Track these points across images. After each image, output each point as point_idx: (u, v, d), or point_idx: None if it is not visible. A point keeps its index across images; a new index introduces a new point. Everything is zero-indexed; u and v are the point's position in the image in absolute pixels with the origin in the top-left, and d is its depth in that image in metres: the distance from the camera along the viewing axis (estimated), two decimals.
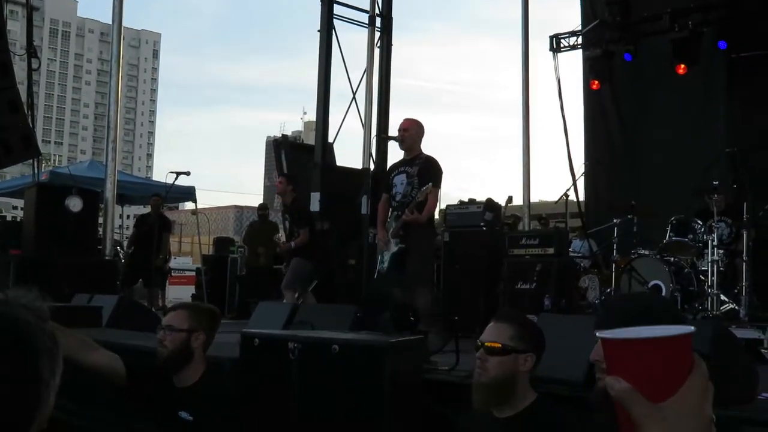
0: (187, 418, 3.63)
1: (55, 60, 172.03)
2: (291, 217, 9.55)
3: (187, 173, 10.54)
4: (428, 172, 7.01)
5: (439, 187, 7.13)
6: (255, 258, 13.49)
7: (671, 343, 0.99)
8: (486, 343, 3.12)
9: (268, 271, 13.56)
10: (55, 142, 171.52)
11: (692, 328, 1.01)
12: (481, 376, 3.09)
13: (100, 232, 11.80)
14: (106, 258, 11.11)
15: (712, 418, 1.01)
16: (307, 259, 9.61)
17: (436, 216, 10.75)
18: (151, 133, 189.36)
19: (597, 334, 1.05)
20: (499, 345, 3.10)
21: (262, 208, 14.90)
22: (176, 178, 10.68)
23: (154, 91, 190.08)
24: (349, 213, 10.89)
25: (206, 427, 3.58)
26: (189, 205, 17.57)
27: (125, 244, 14.94)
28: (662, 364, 0.99)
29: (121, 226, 20.51)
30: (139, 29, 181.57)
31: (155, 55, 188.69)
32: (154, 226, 11.57)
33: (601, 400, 2.44)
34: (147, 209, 13.34)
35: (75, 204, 10.24)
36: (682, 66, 12.44)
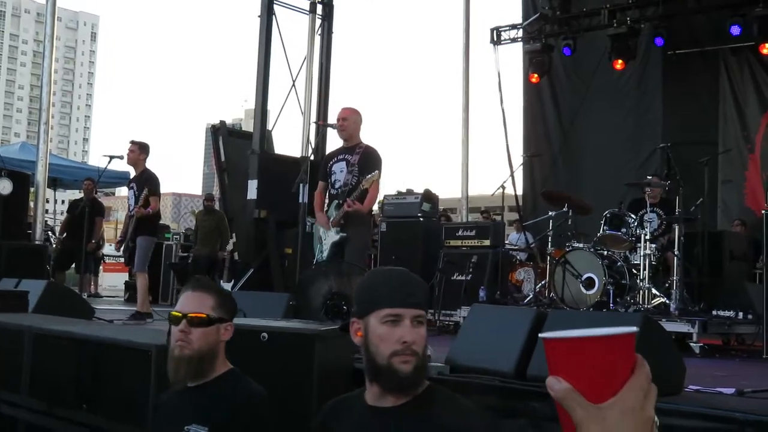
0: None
1: None
2: (141, 185, 9.07)
3: (121, 157, 10.31)
4: (369, 161, 6.98)
5: (380, 177, 7.11)
6: (210, 250, 13.47)
7: (612, 342, 0.97)
8: (189, 314, 2.98)
9: (208, 260, 13.50)
10: None
11: (635, 327, 0.99)
12: (184, 348, 2.95)
13: (31, 216, 11.53)
14: (36, 242, 10.86)
15: (654, 420, 0.99)
16: (152, 235, 9.24)
17: (375, 207, 10.74)
18: (88, 117, 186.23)
19: (540, 335, 1.03)
20: (205, 315, 3.00)
21: (209, 198, 14.77)
22: (109, 162, 10.46)
23: (92, 74, 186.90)
24: (286, 201, 10.81)
25: None
26: (125, 191, 17.28)
27: (57, 229, 14.63)
28: (603, 363, 0.96)
29: (54, 211, 20.10)
30: (77, 11, 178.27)
31: (93, 38, 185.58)
32: (86, 211, 11.33)
33: (408, 384, 2.35)
34: (82, 194, 13.07)
35: (4, 186, 9.99)
36: (620, 61, 12.63)
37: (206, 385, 3.03)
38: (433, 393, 2.45)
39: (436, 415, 2.36)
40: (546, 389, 0.99)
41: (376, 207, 11.18)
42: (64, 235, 13.01)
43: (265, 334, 3.54)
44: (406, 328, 2.37)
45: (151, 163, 9.35)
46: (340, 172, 7.08)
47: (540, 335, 1.02)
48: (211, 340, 3.02)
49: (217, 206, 14.49)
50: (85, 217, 11.04)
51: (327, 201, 7.26)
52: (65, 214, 13.73)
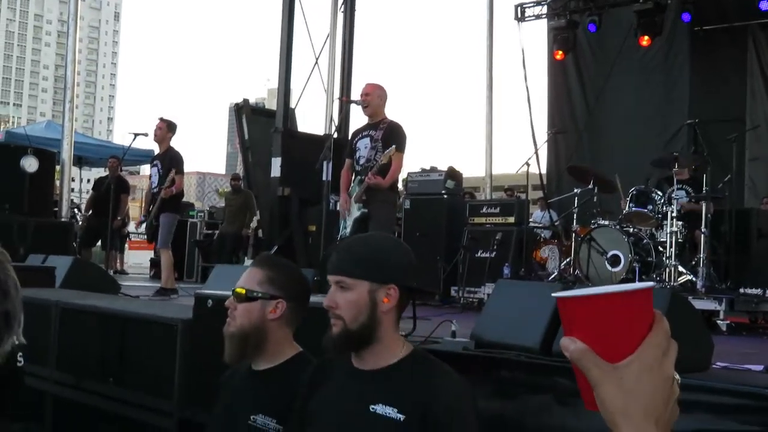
0: (273, 427, 2.83)
1: (14, 20, 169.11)
2: (166, 163, 9.07)
3: (145, 134, 10.34)
4: (392, 136, 6.94)
5: (404, 152, 7.07)
6: (237, 228, 13.57)
7: (628, 298, 0.94)
8: (235, 290, 2.88)
9: (234, 237, 13.60)
10: (14, 104, 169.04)
11: (652, 283, 0.96)
12: (229, 325, 2.87)
13: (57, 194, 11.61)
14: (62, 219, 10.94)
15: (674, 377, 0.95)
16: (176, 212, 9.29)
17: (400, 184, 10.71)
18: (113, 97, 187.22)
19: (552, 294, 1.00)
20: (244, 290, 2.85)
21: (235, 178, 14.83)
22: (134, 139, 10.51)
23: (115, 54, 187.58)
24: (310, 179, 10.80)
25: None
26: (149, 169, 17.38)
27: (83, 207, 14.73)
28: (619, 321, 0.94)
29: (80, 189, 20.24)
30: None
31: (117, 17, 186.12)
32: (111, 188, 11.39)
33: (340, 346, 2.47)
34: (107, 172, 13.14)
35: (30, 164, 10.04)
36: (646, 37, 12.45)
37: (272, 371, 2.87)
38: (414, 359, 2.49)
39: (408, 380, 2.41)
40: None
41: (401, 185, 11.19)
42: (90, 212, 13.11)
43: None
44: (329, 293, 2.49)
45: (175, 142, 9.38)
46: (364, 148, 7.05)
47: (553, 294, 1.00)
48: (255, 318, 2.84)
49: (242, 185, 14.55)
50: (111, 194, 11.10)
51: (353, 178, 7.23)
52: (90, 191, 13.81)
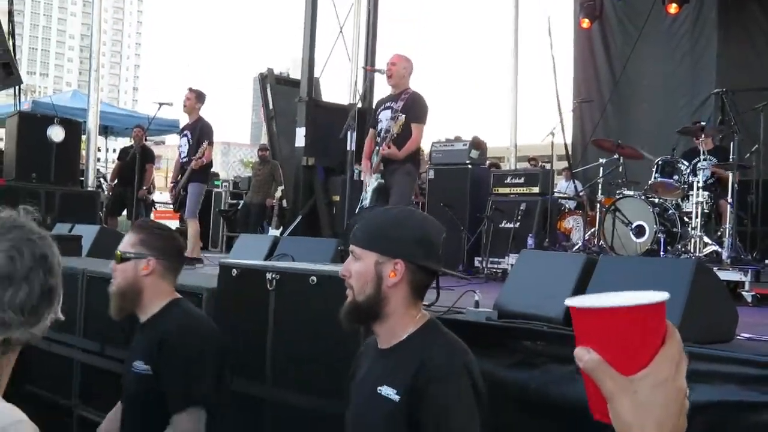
0: (142, 368, 3.21)
1: None
2: (196, 133, 9.07)
3: (170, 104, 10.39)
4: (413, 107, 6.93)
5: (424, 123, 7.05)
6: (262, 197, 13.64)
7: (644, 312, 0.94)
8: (115, 253, 3.27)
9: (259, 207, 13.66)
10: (41, 74, 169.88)
11: (666, 294, 0.96)
12: (111, 284, 3.25)
13: (83, 163, 11.69)
14: (89, 189, 11.02)
15: (686, 391, 0.97)
16: (204, 182, 9.32)
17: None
18: (138, 66, 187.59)
19: (566, 303, 1.00)
20: (120, 253, 3.23)
21: (263, 149, 14.84)
22: (159, 108, 10.55)
23: (140, 23, 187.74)
24: (334, 148, 10.80)
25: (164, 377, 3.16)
26: (174, 139, 17.42)
27: (109, 176, 14.83)
28: (634, 334, 0.94)
29: (105, 159, 20.35)
30: None
31: None
32: (137, 158, 11.44)
33: (347, 317, 2.54)
34: (132, 142, 13.22)
35: (57, 133, 10.11)
36: (674, 5, 12.29)
37: (149, 321, 3.29)
38: (422, 334, 2.50)
39: (408, 357, 2.42)
40: None
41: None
42: (116, 181, 13.20)
43: (314, 278, 3.55)
44: (345, 262, 2.58)
45: (202, 112, 9.39)
46: (386, 119, 7.06)
47: (566, 302, 1.00)
48: (129, 276, 3.23)
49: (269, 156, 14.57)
50: (136, 163, 11.16)
51: (375, 149, 7.24)
52: (116, 161, 13.90)
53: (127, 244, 3.30)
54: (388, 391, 2.40)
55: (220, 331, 3.36)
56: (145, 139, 13.44)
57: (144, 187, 12.62)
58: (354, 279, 2.49)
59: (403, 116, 6.71)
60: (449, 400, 2.34)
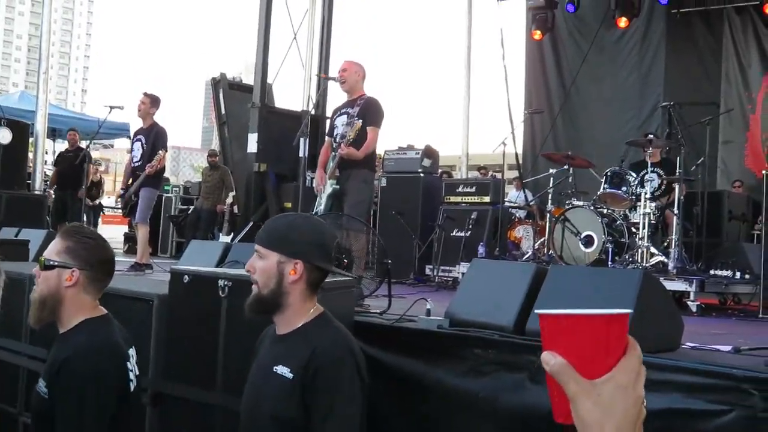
0: (42, 390, 2.99)
1: None
2: (150, 138, 8.96)
3: (121, 107, 10.26)
4: (368, 111, 6.93)
5: (379, 127, 7.05)
6: (212, 203, 13.49)
7: (609, 321, 1.01)
8: (39, 258, 3.09)
9: (209, 213, 13.52)
10: None
11: (630, 309, 1.03)
12: (34, 291, 3.08)
13: (30, 166, 11.51)
14: (36, 192, 10.85)
15: (644, 400, 1.02)
16: (156, 188, 9.18)
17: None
18: (87, 68, 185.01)
19: (535, 310, 1.06)
20: (43, 260, 3.03)
21: (212, 154, 14.70)
22: (110, 112, 10.40)
23: (90, 24, 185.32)
24: (286, 155, 10.79)
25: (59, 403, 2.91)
26: (124, 143, 17.24)
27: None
28: (599, 341, 1.00)
29: (53, 162, 20.02)
30: None
31: None
32: (75, 161, 11.25)
33: (252, 307, 2.83)
34: (81, 145, 13.01)
35: (3, 136, 9.96)
36: (623, 19, 12.52)
37: (62, 335, 3.05)
38: (315, 323, 2.83)
39: (301, 342, 2.75)
40: None
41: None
42: (54, 186, 12.97)
43: None
44: (250, 259, 2.89)
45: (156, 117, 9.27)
46: (342, 125, 7.03)
47: (536, 311, 1.06)
48: (52, 285, 3.00)
49: (219, 161, 14.45)
50: (74, 167, 10.98)
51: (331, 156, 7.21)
52: (54, 166, 13.68)
53: (53, 251, 3.05)
54: (282, 370, 2.72)
55: (122, 356, 3.05)
56: (80, 141, 13.22)
57: (82, 187, 12.39)
58: (258, 275, 2.80)
59: (360, 121, 6.70)
60: (336, 383, 2.69)
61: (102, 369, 2.91)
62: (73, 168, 10.97)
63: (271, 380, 2.76)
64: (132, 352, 3.12)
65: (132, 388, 3.05)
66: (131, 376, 3.04)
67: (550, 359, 1.02)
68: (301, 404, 2.67)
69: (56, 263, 3.00)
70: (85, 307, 3.05)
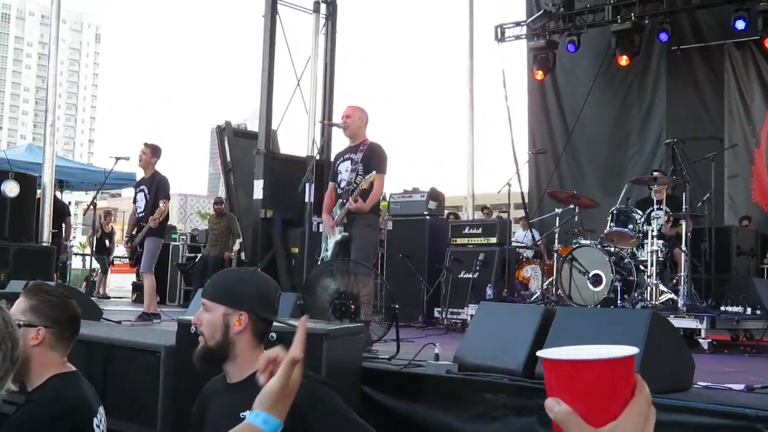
0: None
1: None
2: (152, 188, 8.99)
3: (127, 158, 10.34)
4: (372, 158, 6.94)
5: (384, 173, 7.06)
6: (219, 251, 13.51)
7: (614, 365, 0.97)
8: None
9: (216, 260, 13.52)
10: None
11: (636, 349, 0.98)
12: None
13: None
14: (43, 244, 10.87)
15: None
16: (161, 237, 9.23)
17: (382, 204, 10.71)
18: (93, 119, 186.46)
19: (538, 354, 1.03)
20: None
21: (218, 202, 14.76)
22: (116, 163, 10.48)
23: (96, 75, 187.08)
24: (292, 201, 10.80)
25: None
26: (131, 192, 17.30)
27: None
28: (604, 386, 0.96)
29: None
30: (82, 12, 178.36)
31: (98, 39, 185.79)
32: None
33: (200, 359, 2.85)
34: (89, 196, 13.08)
35: (11, 189, 9.97)
36: (624, 57, 12.60)
37: (30, 393, 2.99)
38: None
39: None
40: None
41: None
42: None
43: (273, 334, 3.53)
44: (197, 313, 2.92)
45: (158, 165, 9.32)
46: (345, 171, 7.04)
47: (538, 353, 1.02)
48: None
49: (225, 208, 14.50)
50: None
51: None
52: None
53: (17, 310, 3.00)
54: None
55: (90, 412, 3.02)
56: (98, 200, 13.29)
57: (65, 241, 12.37)
58: (205, 327, 2.84)
59: (374, 173, 6.71)
60: (333, 406, 2.73)
61: (58, 416, 2.89)
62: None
63: None
64: (101, 410, 3.10)
65: None
66: None
67: (554, 406, 0.98)
68: None
69: (21, 322, 2.90)
70: (53, 364, 3.05)
